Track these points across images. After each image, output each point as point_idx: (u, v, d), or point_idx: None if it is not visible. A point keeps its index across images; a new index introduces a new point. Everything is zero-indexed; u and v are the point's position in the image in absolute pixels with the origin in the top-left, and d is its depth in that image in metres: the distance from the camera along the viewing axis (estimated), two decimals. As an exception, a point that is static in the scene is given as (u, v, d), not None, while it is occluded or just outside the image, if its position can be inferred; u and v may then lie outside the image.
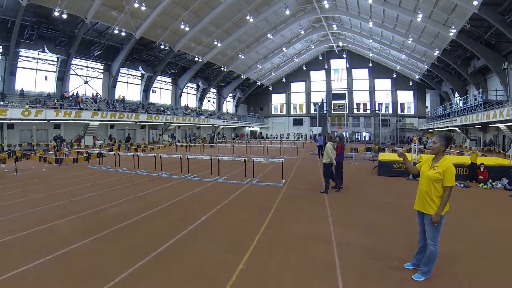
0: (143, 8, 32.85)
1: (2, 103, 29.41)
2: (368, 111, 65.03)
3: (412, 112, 64.87)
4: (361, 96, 68.10)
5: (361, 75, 66.95)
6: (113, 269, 5.40)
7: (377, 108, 63.68)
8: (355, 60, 65.16)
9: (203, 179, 15.34)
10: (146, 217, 8.78)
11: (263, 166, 20.55)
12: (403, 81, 62.05)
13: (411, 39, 39.05)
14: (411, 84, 61.37)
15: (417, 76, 56.23)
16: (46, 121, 32.47)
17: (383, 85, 65.92)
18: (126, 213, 9.09)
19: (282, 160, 15.11)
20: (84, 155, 24.45)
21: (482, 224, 8.17)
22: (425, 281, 4.95)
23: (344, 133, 47.91)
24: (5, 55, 32.47)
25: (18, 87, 34.39)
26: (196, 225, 8.05)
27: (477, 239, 6.98)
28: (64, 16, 30.06)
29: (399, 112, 64.75)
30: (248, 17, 40.19)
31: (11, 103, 29.96)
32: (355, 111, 66.83)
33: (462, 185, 13.49)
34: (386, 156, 19.39)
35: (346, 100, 65.98)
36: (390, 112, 64.12)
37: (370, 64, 63.06)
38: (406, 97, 65.29)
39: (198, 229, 7.74)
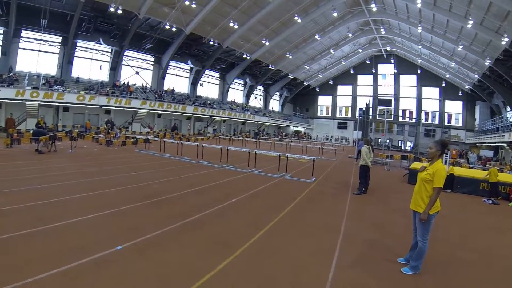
0: (193, 5, 34.08)
1: (60, 88, 31.97)
2: (414, 120, 62.36)
3: (460, 124, 60.69)
4: (407, 104, 65.13)
5: (408, 81, 64.09)
6: (149, 227, 6.76)
7: (423, 117, 61.50)
8: (403, 66, 62.62)
9: (240, 170, 16.40)
10: (183, 195, 10.14)
11: (299, 164, 21.23)
12: (452, 90, 58.47)
13: (461, 47, 37.18)
14: (460, 94, 57.86)
15: (467, 86, 52.44)
16: (98, 107, 34.87)
17: (431, 93, 62.48)
18: (166, 190, 10.46)
19: (314, 159, 16.02)
20: (132, 139, 26.04)
21: (498, 239, 8.17)
22: (412, 275, 5.33)
23: (386, 140, 47.64)
24: (64, 45, 35.39)
25: (74, 74, 37.13)
26: (225, 204, 9.24)
27: (490, 252, 7.01)
28: (119, 11, 32.24)
29: (445, 123, 61.78)
30: (296, 18, 40.56)
31: (67, 89, 32.50)
32: (400, 118, 64.78)
33: (490, 202, 13.03)
34: (419, 165, 19.28)
35: (392, 106, 64.55)
36: (437, 122, 61.80)
37: (419, 71, 60.49)
38: (455, 107, 61.06)
39: (226, 208, 8.94)
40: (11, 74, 30.65)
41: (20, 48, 33.54)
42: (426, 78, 61.06)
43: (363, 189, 12.45)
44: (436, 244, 6.81)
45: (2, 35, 32.08)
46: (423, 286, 5.01)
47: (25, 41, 33.68)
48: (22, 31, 33.05)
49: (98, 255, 5.28)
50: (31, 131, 21.23)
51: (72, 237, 6.00)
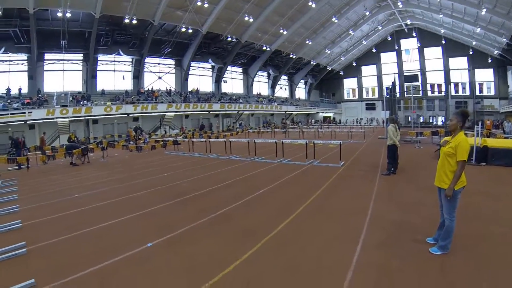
0: (206, 5, 34.33)
1: (87, 102, 33.18)
2: (443, 93, 58.27)
3: (493, 93, 56.74)
4: (435, 77, 62.60)
5: (434, 54, 61.59)
6: (178, 224, 7.16)
7: (452, 89, 57.82)
8: (427, 38, 60.14)
9: (269, 161, 16.69)
10: (212, 190, 10.53)
11: (328, 149, 21.20)
12: (481, 58, 54.90)
13: (484, 10, 35.52)
14: (490, 61, 53.16)
15: (496, 52, 49.30)
16: (126, 115, 35.88)
17: (459, 63, 59.50)
18: (195, 188, 10.90)
19: (340, 143, 15.86)
20: (161, 142, 26.85)
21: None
22: (441, 255, 5.13)
23: (416, 117, 46.46)
24: (85, 62, 36.76)
25: (99, 87, 38.28)
26: (253, 196, 9.53)
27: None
28: (134, 21, 33.18)
29: (477, 93, 57.43)
30: (310, 3, 40.18)
31: (94, 102, 33.70)
32: (429, 93, 62.58)
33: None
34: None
35: (419, 81, 62.66)
36: (468, 93, 58.11)
37: (443, 42, 57.33)
38: (485, 76, 57.12)
39: (254, 199, 9.23)
40: (40, 95, 32.03)
41: (45, 70, 35.18)
42: (452, 48, 57.99)
43: (392, 169, 12.25)
44: (467, 221, 6.60)
45: (26, 61, 33.61)
46: (452, 266, 4.82)
47: (49, 63, 35.28)
48: (45, 54, 34.67)
49: (130, 252, 5.67)
50: (64, 146, 22.11)
51: (107, 238, 6.56)
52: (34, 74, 33.54)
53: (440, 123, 57.78)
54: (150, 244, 6.03)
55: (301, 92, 73.50)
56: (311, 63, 61.69)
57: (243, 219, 7.46)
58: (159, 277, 4.83)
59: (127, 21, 32.83)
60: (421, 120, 56.30)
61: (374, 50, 67.20)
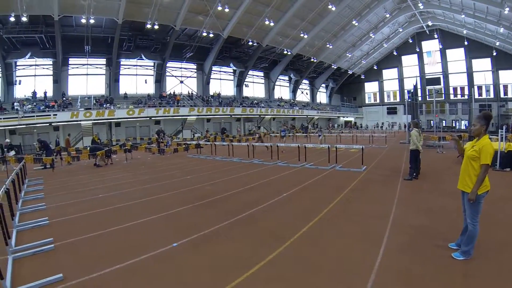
0: (226, 9, 34.62)
1: (110, 105, 34.16)
2: (466, 96, 56.54)
3: None
4: (457, 80, 60.50)
5: (456, 56, 59.74)
6: (203, 225, 7.22)
7: (475, 92, 56.75)
8: (449, 39, 58.66)
9: (292, 165, 16.55)
10: (235, 193, 10.57)
11: (350, 154, 21.10)
12: (505, 59, 53.16)
13: (507, 9, 34.53)
14: None
15: None
16: (148, 118, 36.62)
17: (482, 65, 57.36)
18: (218, 191, 10.94)
19: (362, 147, 16.01)
20: (183, 145, 27.19)
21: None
22: (464, 260, 5.03)
23: (438, 121, 45.53)
24: (108, 66, 37.94)
25: (122, 91, 39.39)
26: (276, 199, 9.51)
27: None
28: (156, 26, 33.85)
29: (501, 95, 55.76)
30: (330, 6, 40.07)
31: (117, 105, 34.62)
32: (451, 96, 60.22)
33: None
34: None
35: (442, 84, 61.32)
36: (492, 96, 56.50)
37: (466, 43, 55.77)
38: (510, 77, 54.37)
39: (278, 202, 9.22)
40: (65, 99, 33.02)
41: (70, 75, 36.65)
42: (475, 49, 56.22)
43: (414, 174, 12.02)
44: (491, 226, 6.44)
45: (52, 66, 34.92)
46: (475, 271, 4.73)
47: (73, 68, 36.64)
48: (69, 59, 36.13)
49: (156, 252, 5.78)
50: (88, 148, 22.60)
51: (132, 237, 6.73)
52: (59, 78, 34.79)
53: (463, 127, 56.22)
54: (176, 244, 6.15)
55: (322, 96, 73.08)
56: (332, 67, 61.36)
57: (267, 221, 7.52)
58: (185, 275, 4.93)
59: (149, 26, 33.49)
60: (444, 124, 54.97)
61: (395, 53, 66.28)
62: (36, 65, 34.77)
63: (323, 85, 70.43)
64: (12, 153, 21.04)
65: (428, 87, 61.73)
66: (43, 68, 35.10)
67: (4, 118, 28.26)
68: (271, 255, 5.49)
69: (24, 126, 29.30)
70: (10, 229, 6.82)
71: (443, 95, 59.32)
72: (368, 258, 5.27)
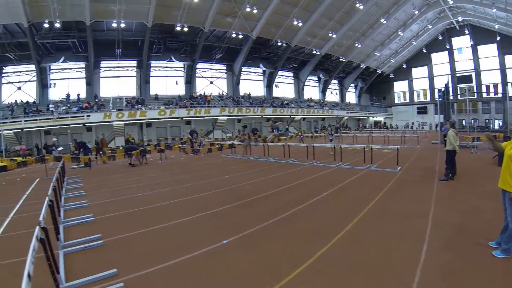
0: (254, 11, 34.93)
1: (142, 106, 34.84)
2: (500, 94, 54.59)
3: None
4: (490, 77, 57.83)
5: (488, 52, 57.14)
6: (249, 224, 7.30)
7: (510, 89, 53.79)
8: (480, 35, 56.29)
9: (327, 165, 16.50)
10: (276, 192, 10.62)
11: (383, 154, 20.81)
12: None
13: None
14: None
15: None
16: (179, 119, 37.17)
17: None
18: (257, 190, 10.96)
19: (398, 148, 15.88)
20: (217, 145, 27.66)
21: None
22: (504, 258, 5.06)
23: (470, 121, 44.11)
24: (139, 68, 38.88)
25: (152, 92, 39.93)
26: (316, 199, 9.51)
27: None
28: (185, 29, 34.41)
29: None
30: (357, 5, 39.90)
31: (148, 106, 35.41)
32: (484, 95, 58.05)
33: None
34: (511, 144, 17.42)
35: (474, 82, 58.86)
36: None
37: (498, 38, 53.61)
38: None
39: (318, 202, 9.22)
40: (97, 100, 33.82)
41: (102, 77, 37.93)
42: (508, 44, 53.65)
43: (450, 174, 11.79)
44: None
45: (84, 69, 36.18)
46: None
47: (104, 70, 37.86)
48: (101, 62, 37.35)
49: (207, 249, 5.88)
50: (122, 148, 23.09)
51: (179, 235, 6.85)
52: (91, 80, 35.95)
53: (497, 127, 53.73)
54: (226, 241, 6.26)
55: (351, 96, 71.88)
56: (361, 66, 60.45)
57: (309, 221, 7.53)
58: (239, 271, 5.04)
59: (178, 28, 34.07)
60: (477, 124, 53.30)
61: (424, 51, 64.24)
62: (69, 68, 35.89)
63: (352, 84, 69.38)
64: (60, 148, 23.20)
65: (459, 85, 59.81)
66: (76, 71, 36.36)
67: (40, 119, 29.45)
68: (317, 254, 5.55)
69: (59, 126, 30.49)
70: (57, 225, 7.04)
71: (475, 93, 57.54)
72: (412, 256, 5.35)
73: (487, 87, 58.37)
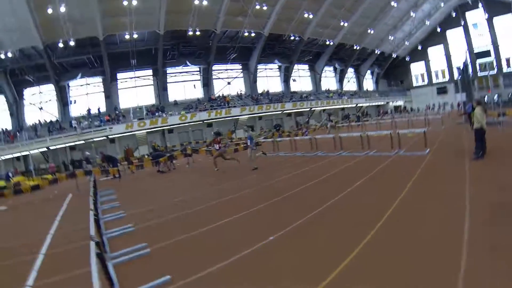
0: (264, 7, 35.05)
1: (163, 114, 35.43)
2: None
3: None
4: (509, 49, 55.49)
5: (505, 23, 54.56)
6: (291, 219, 7.16)
7: None
8: (494, 6, 53.90)
9: (355, 154, 16.36)
10: (310, 186, 10.60)
11: (408, 138, 20.45)
12: None
13: None
14: None
15: None
16: (201, 122, 37.60)
17: None
18: (292, 185, 10.93)
19: (424, 131, 15.87)
20: (242, 145, 27.93)
21: None
22: None
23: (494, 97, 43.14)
24: (155, 76, 39.24)
25: (171, 98, 40.24)
26: (351, 189, 9.40)
27: None
28: (197, 32, 34.92)
29: None
30: (367, -10, 39.08)
31: (169, 113, 35.79)
32: (504, 69, 56.18)
33: None
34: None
35: (493, 57, 56.82)
36: None
37: None
38: None
39: (353, 192, 9.15)
40: (117, 112, 34.30)
41: (120, 89, 38.40)
42: None
43: (481, 153, 11.43)
44: None
45: (102, 82, 36.93)
46: None
47: (122, 82, 38.36)
48: (118, 74, 37.78)
49: (255, 246, 5.87)
50: (148, 156, 23.26)
51: (224, 236, 6.92)
52: (110, 93, 36.53)
53: None
54: (272, 237, 6.22)
55: (368, 83, 70.45)
56: (376, 52, 59.62)
57: (349, 211, 7.50)
58: (295, 262, 5.09)
59: (190, 33, 34.49)
60: (500, 100, 51.89)
61: (439, 30, 61.81)
62: (87, 84, 36.55)
63: (369, 71, 67.97)
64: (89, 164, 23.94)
65: (478, 61, 58.08)
66: (94, 86, 36.96)
67: (64, 136, 30.06)
68: (365, 239, 5.55)
69: (83, 141, 31.01)
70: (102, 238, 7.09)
71: (495, 68, 56.18)
72: (457, 231, 5.36)
73: (507, 60, 56.22)
